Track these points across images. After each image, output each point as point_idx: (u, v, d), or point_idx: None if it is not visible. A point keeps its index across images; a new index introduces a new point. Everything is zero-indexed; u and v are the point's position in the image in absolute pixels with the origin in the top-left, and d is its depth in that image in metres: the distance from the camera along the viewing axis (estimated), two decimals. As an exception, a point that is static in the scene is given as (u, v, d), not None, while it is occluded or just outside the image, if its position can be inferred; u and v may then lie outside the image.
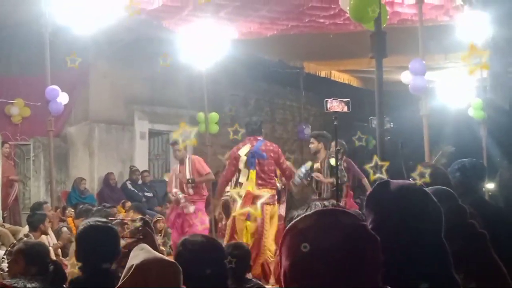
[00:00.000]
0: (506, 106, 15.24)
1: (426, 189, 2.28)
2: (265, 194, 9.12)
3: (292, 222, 1.79)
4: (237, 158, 9.32)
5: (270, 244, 9.23)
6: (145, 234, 3.51)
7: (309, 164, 10.31)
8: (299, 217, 1.79)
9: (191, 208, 10.18)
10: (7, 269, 7.93)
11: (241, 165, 9.21)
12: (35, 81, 12.09)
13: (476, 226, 3.08)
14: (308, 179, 10.05)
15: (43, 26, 10.34)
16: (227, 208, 9.94)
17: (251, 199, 9.06)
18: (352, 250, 1.70)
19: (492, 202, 7.29)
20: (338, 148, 8.53)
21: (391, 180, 2.24)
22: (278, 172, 10.16)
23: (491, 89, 13.59)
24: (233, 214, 9.26)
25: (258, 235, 9.10)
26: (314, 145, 10.16)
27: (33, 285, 3.58)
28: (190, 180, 10.23)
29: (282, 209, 10.73)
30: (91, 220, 4.05)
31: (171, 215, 10.51)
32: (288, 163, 10.20)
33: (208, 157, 12.52)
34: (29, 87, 13.34)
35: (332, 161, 9.70)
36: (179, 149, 10.62)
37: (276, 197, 9.56)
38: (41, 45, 10.50)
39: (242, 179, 9.23)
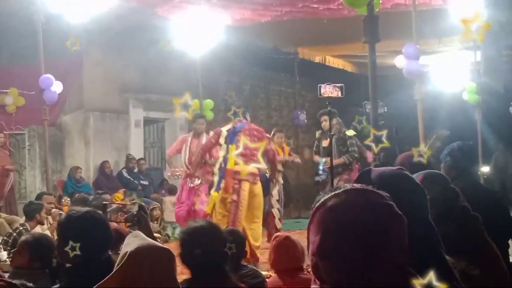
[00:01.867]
0: (501, 89, 15.27)
1: (408, 173, 2.29)
2: (245, 168, 8.94)
3: (321, 201, 1.81)
4: (219, 133, 9.29)
5: (250, 227, 9.06)
6: (140, 219, 3.53)
7: (323, 160, 10.50)
8: (327, 196, 1.81)
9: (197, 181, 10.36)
10: (4, 258, 7.98)
11: (222, 140, 9.17)
12: (29, 70, 12.05)
13: (468, 209, 3.09)
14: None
15: (36, 14, 10.31)
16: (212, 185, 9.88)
17: (232, 175, 8.92)
18: (380, 228, 1.72)
19: (487, 185, 7.30)
20: (332, 133, 8.56)
21: (373, 168, 2.27)
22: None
23: (485, 73, 13.60)
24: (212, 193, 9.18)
25: (234, 211, 8.87)
26: (326, 123, 10.27)
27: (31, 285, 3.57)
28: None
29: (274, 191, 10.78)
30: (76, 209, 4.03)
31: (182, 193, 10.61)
32: (273, 146, 10.12)
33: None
34: (23, 76, 13.30)
35: (349, 132, 9.86)
36: (203, 122, 11.06)
37: (258, 176, 9.29)
38: (34, 34, 10.47)
39: (220, 153, 9.18)
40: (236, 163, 8.93)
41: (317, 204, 1.81)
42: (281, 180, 11.40)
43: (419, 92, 9.18)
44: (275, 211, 9.74)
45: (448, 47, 15.13)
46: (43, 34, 10.36)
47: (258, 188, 9.20)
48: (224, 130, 9.20)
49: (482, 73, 13.31)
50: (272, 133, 11.78)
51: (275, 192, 11.19)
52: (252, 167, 9.04)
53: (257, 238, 9.18)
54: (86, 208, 3.88)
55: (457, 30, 11.61)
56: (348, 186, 1.83)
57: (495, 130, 15.49)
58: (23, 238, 5.20)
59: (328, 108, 8.31)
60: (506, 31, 13.67)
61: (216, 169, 9.13)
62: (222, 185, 8.98)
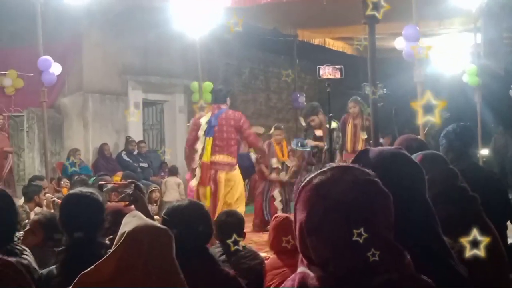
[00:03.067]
0: (501, 72, 15.24)
1: (406, 152, 2.29)
2: (221, 159, 9.04)
3: (308, 178, 1.83)
4: (197, 125, 9.26)
5: (237, 207, 9.14)
6: (136, 198, 3.51)
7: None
8: (313, 174, 1.83)
9: None
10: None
11: (200, 132, 9.18)
12: (28, 52, 12.00)
13: (467, 190, 3.08)
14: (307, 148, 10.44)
15: (35, -4, 10.25)
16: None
17: (208, 167, 9.01)
18: (365, 203, 1.74)
19: (485, 167, 7.31)
20: (331, 114, 8.56)
21: (371, 148, 2.27)
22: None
23: (486, 55, 13.57)
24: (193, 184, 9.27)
25: (212, 202, 8.95)
26: (315, 121, 10.37)
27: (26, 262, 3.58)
28: None
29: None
30: (73, 191, 4.05)
31: None
32: (253, 131, 10.09)
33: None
34: (22, 58, 13.26)
35: (333, 125, 9.89)
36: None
37: (236, 165, 9.31)
38: (32, 16, 10.42)
39: (199, 145, 9.20)
40: (212, 155, 9.00)
41: (303, 183, 1.82)
42: (283, 178, 11.44)
43: (418, 74, 9.15)
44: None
45: (449, 29, 15.09)
46: (42, 16, 10.30)
47: (236, 176, 9.26)
48: (203, 122, 9.15)
49: (483, 55, 13.29)
50: (271, 130, 11.80)
51: (276, 193, 11.29)
52: (226, 157, 9.08)
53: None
54: (86, 189, 3.90)
55: (458, 12, 11.59)
56: (334, 164, 1.84)
57: (495, 112, 15.49)
58: (35, 217, 5.24)
59: (327, 90, 8.27)
60: (507, 13, 13.63)
61: (197, 161, 9.20)
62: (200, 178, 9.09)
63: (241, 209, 9.08)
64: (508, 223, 4.79)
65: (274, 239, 4.90)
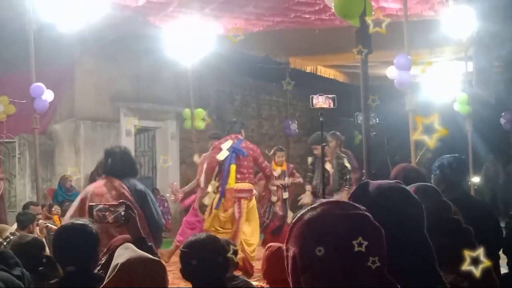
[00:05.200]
0: (492, 100, 15.33)
1: (405, 186, 2.30)
2: (244, 187, 9.46)
3: (298, 215, 1.82)
4: (219, 149, 9.47)
5: (248, 239, 9.50)
6: (128, 218, 3.49)
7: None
8: (303, 211, 1.81)
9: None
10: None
11: (221, 157, 9.37)
12: (20, 78, 11.99)
13: (460, 222, 3.09)
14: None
15: (28, 23, 10.27)
16: (202, 206, 9.99)
17: (232, 193, 9.37)
18: (357, 238, 1.72)
19: (477, 197, 7.33)
20: (324, 144, 8.58)
21: (371, 181, 2.27)
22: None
23: (477, 84, 13.65)
24: (208, 210, 9.49)
25: (235, 229, 9.38)
26: (318, 150, 10.33)
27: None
28: None
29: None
30: (65, 223, 4.03)
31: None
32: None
33: (194, 153, 12.53)
34: (14, 84, 13.25)
35: (346, 163, 9.98)
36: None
37: (254, 192, 9.79)
38: (25, 42, 10.43)
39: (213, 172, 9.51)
40: (236, 182, 9.40)
41: (294, 220, 1.82)
42: (286, 195, 11.45)
43: (410, 102, 9.18)
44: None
45: (440, 57, 15.17)
46: (35, 43, 10.32)
47: (253, 202, 9.71)
48: (225, 148, 9.38)
49: (474, 84, 13.36)
50: (272, 152, 11.82)
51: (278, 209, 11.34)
52: (247, 185, 9.52)
53: (253, 247, 9.67)
54: (79, 221, 3.87)
55: (448, 41, 11.66)
56: (324, 200, 1.84)
57: (486, 140, 15.55)
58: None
59: (320, 119, 8.29)
60: (497, 42, 13.74)
61: (211, 189, 9.41)
62: (221, 203, 9.43)
63: (254, 240, 9.53)
64: (501, 252, 4.79)
65: (267, 269, 4.88)
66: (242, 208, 9.39)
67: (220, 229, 9.36)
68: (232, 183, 9.35)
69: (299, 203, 10.32)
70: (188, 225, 10.49)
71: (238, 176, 9.39)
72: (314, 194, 10.35)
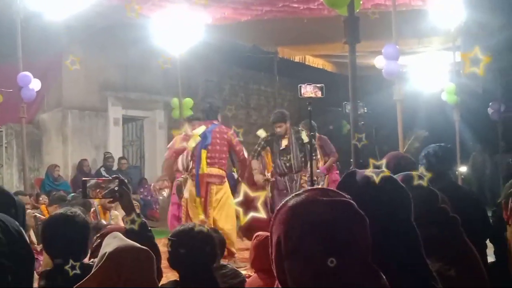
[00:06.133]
0: (479, 90, 15.37)
1: (392, 175, 2.30)
2: (213, 172, 9.31)
3: (282, 202, 1.82)
4: (190, 136, 9.43)
5: (222, 225, 9.27)
6: (121, 194, 3.43)
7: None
8: (288, 197, 1.82)
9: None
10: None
11: (191, 144, 9.33)
12: (7, 68, 11.93)
13: (447, 211, 3.10)
14: None
15: (15, 13, 10.23)
16: (179, 190, 9.98)
17: (205, 179, 9.26)
18: (341, 225, 1.72)
19: (464, 186, 7.36)
20: (312, 133, 8.59)
21: (357, 170, 2.27)
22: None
23: (464, 74, 13.66)
24: (185, 196, 9.43)
25: (205, 215, 9.25)
26: (282, 128, 10.24)
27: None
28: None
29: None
30: (58, 211, 3.99)
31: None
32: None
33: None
34: (1, 73, 13.17)
35: (304, 136, 9.91)
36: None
37: (225, 178, 9.62)
38: (13, 31, 10.39)
39: (185, 157, 9.50)
40: (206, 167, 9.27)
41: (279, 206, 1.82)
42: (268, 193, 11.40)
43: (398, 92, 9.21)
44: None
45: (428, 47, 15.19)
46: (22, 32, 10.28)
47: (225, 188, 9.53)
48: (197, 134, 9.31)
49: (462, 74, 13.38)
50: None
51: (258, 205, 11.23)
52: (217, 170, 9.36)
53: (232, 236, 9.47)
54: (69, 211, 3.84)
55: (437, 31, 11.68)
56: (309, 187, 1.84)
57: (473, 130, 15.62)
58: None
59: (308, 108, 8.31)
60: (486, 32, 13.76)
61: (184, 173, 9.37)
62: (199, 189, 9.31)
63: (227, 227, 9.22)
64: (488, 241, 4.81)
65: (255, 258, 4.89)
66: (210, 194, 9.25)
67: (198, 213, 9.28)
68: (204, 169, 9.25)
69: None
70: (174, 219, 10.47)
71: (208, 161, 9.28)
72: (279, 174, 10.36)
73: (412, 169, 3.56)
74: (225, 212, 9.41)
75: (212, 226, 9.05)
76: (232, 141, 9.54)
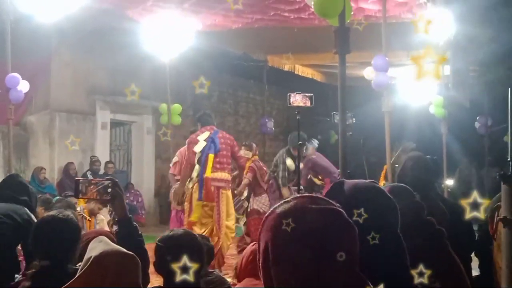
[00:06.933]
0: (467, 104, 15.44)
1: (380, 186, 2.31)
2: (221, 176, 9.44)
3: (271, 209, 1.82)
4: (195, 142, 9.46)
5: (231, 231, 9.63)
6: (114, 195, 3.39)
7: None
8: (277, 204, 1.82)
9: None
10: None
11: (198, 149, 9.36)
12: (-5, 69, 11.89)
13: (433, 223, 3.11)
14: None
15: (5, 14, 10.18)
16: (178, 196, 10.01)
17: (209, 182, 9.31)
18: (330, 232, 1.72)
19: (450, 199, 7.38)
20: (300, 142, 8.60)
21: (346, 180, 2.28)
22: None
23: (453, 87, 13.73)
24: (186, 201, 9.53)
25: (217, 219, 9.34)
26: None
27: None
28: None
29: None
30: (50, 213, 3.98)
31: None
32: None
33: (170, 148, 12.52)
34: (-11, 74, 13.13)
35: (289, 163, 10.41)
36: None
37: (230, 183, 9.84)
38: (2, 33, 10.34)
39: (197, 162, 9.44)
40: (213, 171, 9.37)
41: (267, 213, 1.82)
42: (245, 194, 11.49)
43: (387, 104, 9.21)
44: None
45: (417, 59, 15.24)
46: (11, 33, 10.23)
47: (230, 193, 9.78)
48: (202, 139, 9.36)
49: (450, 87, 13.45)
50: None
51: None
52: (226, 175, 9.53)
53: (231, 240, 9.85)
54: (62, 214, 3.83)
55: (426, 44, 11.71)
56: (298, 194, 1.84)
57: (460, 144, 15.68)
58: None
59: (297, 117, 8.31)
60: (474, 45, 13.83)
61: (194, 178, 9.38)
62: (203, 193, 9.35)
63: (232, 223, 9.64)
64: (473, 255, 4.83)
65: (243, 266, 4.87)
66: (221, 198, 9.36)
67: (204, 220, 9.36)
68: (208, 173, 9.29)
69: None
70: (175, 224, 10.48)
71: (217, 166, 9.36)
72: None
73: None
74: (232, 220, 9.73)
75: (222, 234, 9.24)
76: (234, 147, 9.83)
